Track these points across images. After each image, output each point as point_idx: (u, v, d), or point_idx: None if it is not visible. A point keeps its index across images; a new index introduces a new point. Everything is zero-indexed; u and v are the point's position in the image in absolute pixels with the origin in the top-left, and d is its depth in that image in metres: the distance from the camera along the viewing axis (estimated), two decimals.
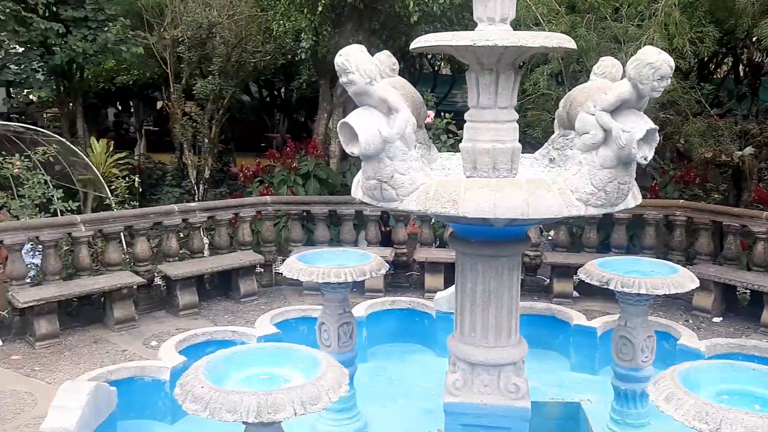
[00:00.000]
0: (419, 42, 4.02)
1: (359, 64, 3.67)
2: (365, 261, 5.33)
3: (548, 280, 8.65)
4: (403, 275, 9.13)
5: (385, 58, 4.65)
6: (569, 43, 3.86)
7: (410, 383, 6.09)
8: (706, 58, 15.65)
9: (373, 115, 3.76)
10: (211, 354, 3.64)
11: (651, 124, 3.48)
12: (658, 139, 3.53)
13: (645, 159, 3.48)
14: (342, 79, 3.73)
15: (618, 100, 3.53)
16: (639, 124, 3.47)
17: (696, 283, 4.91)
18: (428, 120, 10.00)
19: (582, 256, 8.09)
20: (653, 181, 10.21)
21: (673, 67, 3.47)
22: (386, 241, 9.75)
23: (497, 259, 4.13)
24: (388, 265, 5.53)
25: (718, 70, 17.94)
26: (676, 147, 10.67)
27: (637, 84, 3.46)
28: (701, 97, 9.65)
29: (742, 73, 17.26)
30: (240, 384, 3.44)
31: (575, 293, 8.19)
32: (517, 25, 7.79)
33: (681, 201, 8.63)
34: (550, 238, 9.45)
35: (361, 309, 6.78)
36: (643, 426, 4.92)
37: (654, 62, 3.39)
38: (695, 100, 9.61)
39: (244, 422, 3.18)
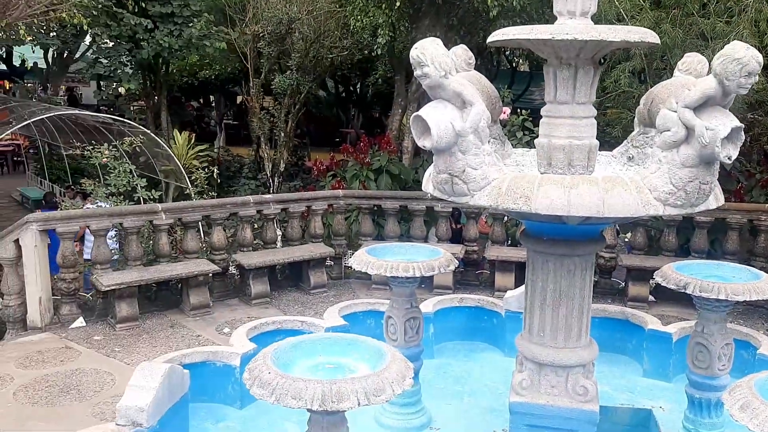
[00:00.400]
0: (496, 35, 3.97)
1: (434, 57, 3.65)
2: (434, 256, 5.31)
3: (623, 283, 8.40)
4: (472, 273, 9.06)
5: (462, 52, 4.63)
6: (652, 37, 3.74)
7: (476, 381, 6.04)
8: None
9: (446, 109, 3.74)
10: (280, 341, 3.70)
11: (736, 122, 3.33)
12: (744, 138, 3.38)
13: (729, 158, 3.33)
14: (417, 72, 3.72)
15: (702, 96, 3.40)
16: (724, 122, 3.33)
17: None
18: (504, 116, 9.88)
19: (659, 259, 7.82)
20: (738, 184, 9.78)
21: (762, 64, 3.31)
22: (457, 238, 9.68)
23: (570, 258, 4.05)
24: (457, 262, 5.49)
25: None
26: (763, 149, 10.17)
27: (722, 80, 3.31)
28: None
29: None
30: (306, 372, 3.49)
31: (651, 297, 7.93)
32: (598, 20, 7.57)
33: (767, 205, 8.21)
34: (626, 240, 9.17)
35: (429, 305, 6.77)
36: None
37: (742, 57, 3.25)
38: None
39: (308, 409, 3.22)
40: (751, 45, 7.50)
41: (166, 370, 4.66)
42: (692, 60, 4.29)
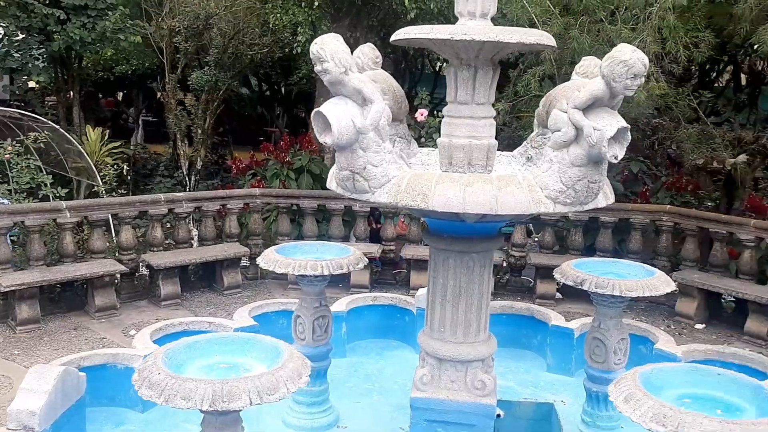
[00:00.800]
0: (399, 34, 4.01)
1: (334, 53, 3.64)
2: (343, 255, 5.30)
3: (533, 281, 8.62)
4: (390, 272, 9.12)
5: (369, 51, 4.66)
6: (548, 40, 3.84)
7: (386, 379, 6.06)
8: (708, 66, 15.68)
9: (347, 106, 3.74)
10: (174, 342, 3.62)
11: (623, 123, 3.45)
12: (630, 138, 3.50)
13: (615, 158, 3.45)
14: (317, 68, 3.71)
15: (590, 97, 3.50)
16: (611, 123, 3.44)
17: (671, 287, 4.87)
18: (421, 118, 9.98)
19: (566, 258, 8.00)
20: (644, 186, 10.18)
21: (647, 66, 3.43)
22: (376, 237, 9.72)
23: (469, 255, 4.12)
24: (367, 260, 5.49)
25: (720, 78, 17.92)
26: (667, 153, 10.62)
27: (610, 82, 3.42)
28: (694, 102, 9.58)
29: (744, 82, 17.26)
30: (200, 372, 3.42)
31: (558, 295, 8.15)
32: (512, 25, 7.73)
33: (668, 206, 8.58)
34: (536, 239, 9.42)
35: (342, 304, 6.76)
36: (614, 429, 4.89)
37: (628, 60, 3.35)
38: (690, 107, 9.55)
39: (200, 410, 3.16)
40: (654, 51, 7.81)
41: (60, 373, 4.49)
42: (589, 63, 4.46)
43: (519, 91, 8.95)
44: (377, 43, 10.57)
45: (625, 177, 10.08)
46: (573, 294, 7.85)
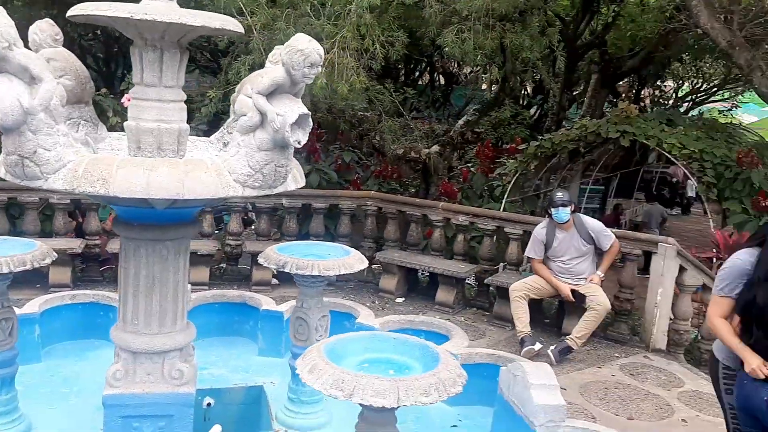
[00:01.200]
0: (75, 10, 3.74)
1: None
2: (28, 250, 4.84)
3: (250, 269, 8.70)
4: (96, 269, 8.56)
5: (47, 27, 4.33)
6: (234, 26, 3.86)
7: (86, 380, 5.66)
8: (412, 65, 17.16)
9: (12, 83, 3.41)
10: None
11: (304, 109, 3.61)
12: (312, 124, 3.68)
13: (299, 143, 3.59)
14: None
15: (272, 84, 3.61)
16: (293, 109, 3.57)
17: (364, 264, 5.20)
18: (128, 103, 9.45)
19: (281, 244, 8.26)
20: (356, 175, 10.84)
21: (323, 56, 3.64)
22: (81, 232, 9.03)
23: (162, 243, 4.00)
24: (55, 255, 5.05)
25: (423, 78, 19.76)
26: (373, 143, 11.42)
27: (289, 69, 3.56)
28: (396, 99, 10.43)
29: (442, 80, 19.24)
30: None
31: (275, 280, 8.35)
32: (222, 12, 7.65)
33: (372, 192, 9.26)
34: (254, 228, 9.54)
35: (35, 305, 6.16)
36: (317, 402, 5.12)
37: (304, 49, 3.52)
38: (391, 102, 10.37)
39: None
40: (354, 47, 8.29)
41: None
42: (280, 52, 4.56)
43: (231, 79, 8.94)
44: (77, 25, 9.77)
45: (338, 166, 10.64)
46: (288, 279, 8.07)
